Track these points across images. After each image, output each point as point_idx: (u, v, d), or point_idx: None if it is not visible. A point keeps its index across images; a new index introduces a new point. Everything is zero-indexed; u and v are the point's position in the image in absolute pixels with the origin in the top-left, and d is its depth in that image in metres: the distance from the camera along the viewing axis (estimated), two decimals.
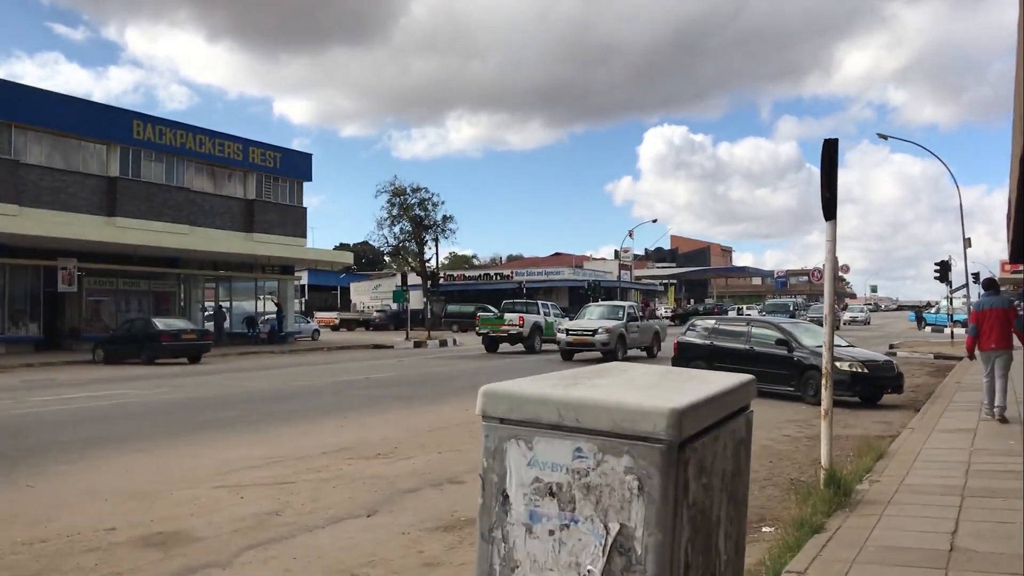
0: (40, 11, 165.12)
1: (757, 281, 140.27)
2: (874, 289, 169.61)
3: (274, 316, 40.57)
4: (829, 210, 6.90)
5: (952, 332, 35.01)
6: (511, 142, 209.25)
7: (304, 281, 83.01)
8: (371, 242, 67.64)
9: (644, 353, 28.50)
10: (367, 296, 76.45)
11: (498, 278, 72.27)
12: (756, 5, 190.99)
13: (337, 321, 65.50)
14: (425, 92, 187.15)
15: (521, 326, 31.70)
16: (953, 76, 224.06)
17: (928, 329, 53.65)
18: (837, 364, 15.04)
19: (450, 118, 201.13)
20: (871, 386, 15.47)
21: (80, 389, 17.99)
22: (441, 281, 69.78)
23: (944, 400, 15.09)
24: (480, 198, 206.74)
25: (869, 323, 67.12)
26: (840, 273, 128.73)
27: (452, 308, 62.96)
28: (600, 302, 37.96)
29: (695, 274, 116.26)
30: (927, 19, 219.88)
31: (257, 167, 39.91)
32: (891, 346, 33.74)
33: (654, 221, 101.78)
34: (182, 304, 38.14)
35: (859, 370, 15.27)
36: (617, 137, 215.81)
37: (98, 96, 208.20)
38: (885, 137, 33.84)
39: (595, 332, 26.35)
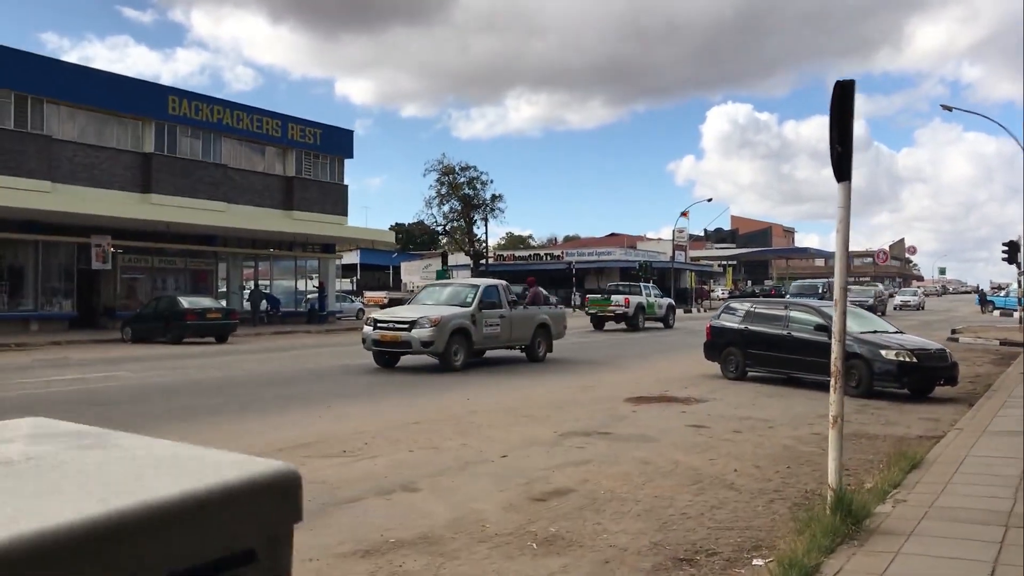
0: None
1: (820, 263, 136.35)
2: (942, 271, 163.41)
3: (315, 295, 40.01)
4: (842, 169, 5.57)
5: (1021, 316, 32.72)
6: (571, 121, 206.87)
7: (356, 260, 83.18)
8: (422, 221, 66.66)
9: (523, 354, 20.37)
10: (417, 276, 75.83)
11: (548, 258, 70.97)
12: None
13: (386, 300, 64.55)
14: (485, 71, 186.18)
15: (627, 307, 34.65)
16: None
17: (996, 313, 50.90)
18: (883, 353, 13.65)
19: (509, 97, 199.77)
20: (921, 377, 13.97)
21: (81, 370, 17.37)
22: (490, 261, 68.78)
23: (1003, 394, 13.50)
24: (539, 178, 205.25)
25: (922, 308, 61.64)
26: (907, 255, 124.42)
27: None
28: (452, 280, 30.27)
29: (755, 255, 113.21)
30: None
31: (296, 144, 39.24)
32: (953, 331, 31.69)
33: (709, 200, 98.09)
34: (222, 282, 37.84)
35: (907, 359, 13.76)
36: (679, 116, 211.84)
37: (166, 79, 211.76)
38: (950, 109, 31.28)
39: (412, 325, 17.18)
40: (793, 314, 15.76)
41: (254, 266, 38.76)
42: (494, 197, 64.54)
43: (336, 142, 41.39)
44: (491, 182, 68.03)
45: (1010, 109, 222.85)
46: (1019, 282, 36.03)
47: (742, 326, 16.42)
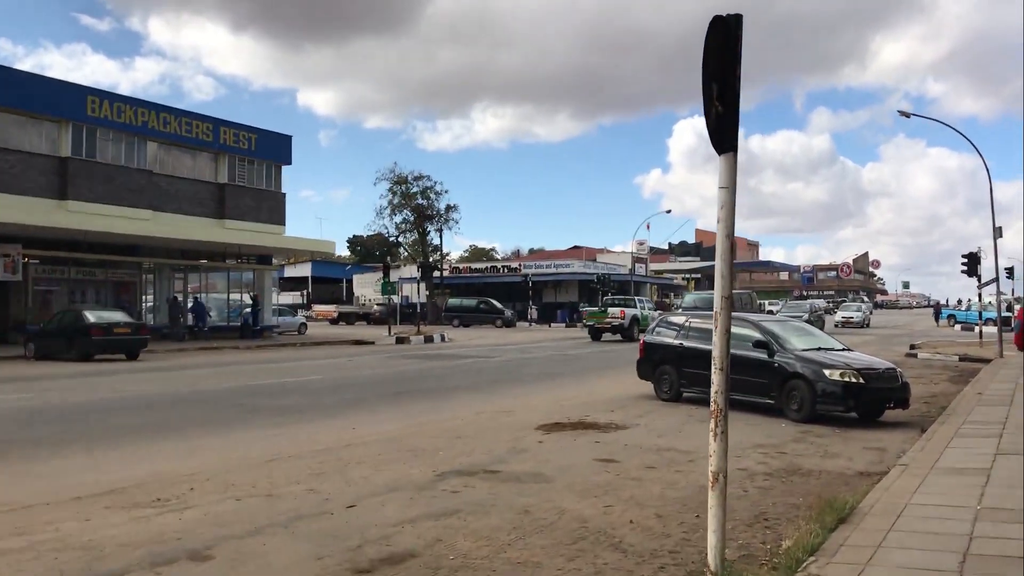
0: (66, 1, 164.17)
1: (784, 276, 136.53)
2: (906, 285, 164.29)
3: (249, 308, 38.09)
4: (723, 136, 4.02)
5: (981, 331, 31.66)
6: (538, 134, 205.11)
7: (308, 273, 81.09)
8: (371, 232, 64.80)
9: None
10: (370, 289, 73.79)
11: (506, 271, 69.40)
12: None
13: (336, 314, 62.96)
14: (451, 83, 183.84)
15: (622, 319, 36.77)
16: (993, 68, 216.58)
17: (958, 327, 50.17)
18: (827, 373, 12.20)
19: (476, 109, 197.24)
20: (868, 400, 12.52)
21: None
22: (446, 273, 67.13)
23: (959, 418, 12.09)
24: (505, 191, 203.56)
25: (867, 325, 53.48)
26: (870, 268, 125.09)
27: (453, 302, 60.05)
28: None
29: None
30: (967, 7, 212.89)
31: (230, 149, 37.35)
32: (912, 346, 30.54)
33: (668, 211, 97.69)
34: (149, 295, 35.83)
35: (853, 380, 12.30)
36: (647, 129, 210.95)
37: (125, 88, 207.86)
38: (908, 115, 30.15)
39: None
40: (731, 329, 14.25)
41: (183, 278, 36.74)
42: (449, 207, 62.98)
43: (273, 148, 39.55)
44: (446, 192, 66.18)
45: (972, 124, 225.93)
46: (979, 295, 35.07)
47: (677, 342, 14.91)
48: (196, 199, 36.25)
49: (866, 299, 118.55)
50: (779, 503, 7.50)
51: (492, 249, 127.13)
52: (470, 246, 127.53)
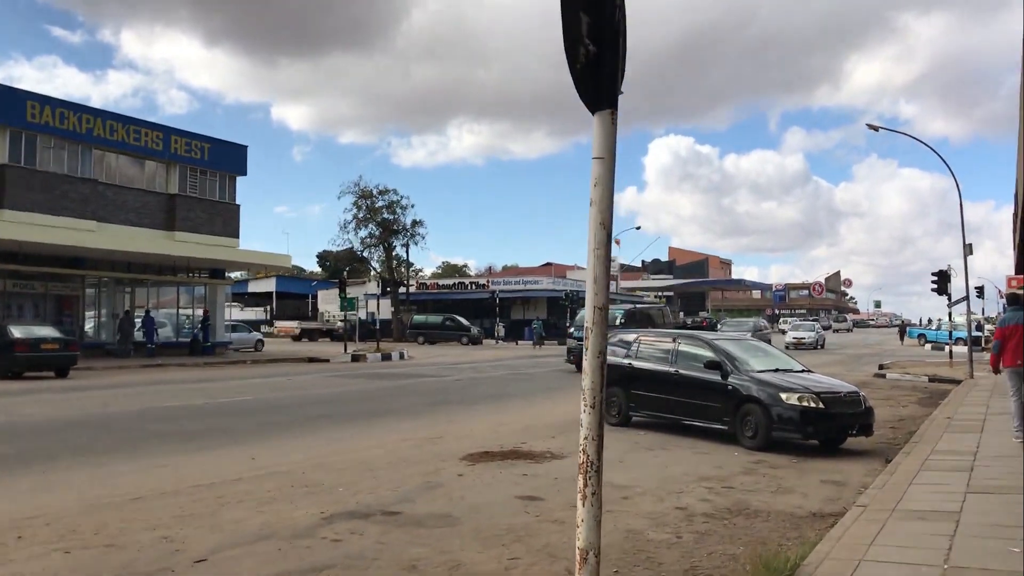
0: (38, 12, 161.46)
1: (757, 294, 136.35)
2: (878, 304, 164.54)
3: (201, 324, 36.62)
4: (597, 87, 2.91)
5: (951, 351, 30.87)
6: (514, 151, 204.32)
7: (272, 288, 79.46)
8: (337, 247, 63.36)
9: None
10: (335, 305, 72.28)
11: (473, 287, 68.23)
12: (766, 14, 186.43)
13: (298, 331, 61.42)
14: (426, 99, 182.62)
15: None
16: (964, 90, 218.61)
17: (928, 347, 49.59)
18: (783, 396, 11.14)
19: (452, 126, 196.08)
20: (828, 427, 11.47)
21: None
22: (413, 289, 65.83)
23: (926, 446, 11.08)
24: (481, 208, 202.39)
25: (822, 347, 48.23)
26: (842, 287, 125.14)
27: (418, 319, 58.79)
28: None
29: (691, 286, 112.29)
30: (938, 31, 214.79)
31: (181, 158, 35.98)
32: (881, 366, 29.71)
33: (638, 228, 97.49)
34: (96, 310, 34.33)
35: (812, 405, 11.26)
36: (622, 147, 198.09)
37: (97, 101, 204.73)
38: (876, 129, 29.43)
39: None
40: (682, 348, 13.20)
41: (130, 292, 35.24)
42: (415, 222, 61.71)
43: (227, 158, 38.20)
44: (412, 206, 64.97)
45: (943, 146, 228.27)
46: (949, 314, 34.37)
47: (626, 362, 13.82)
48: (145, 210, 34.83)
49: (821, 317, 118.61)
50: (716, 553, 6.40)
51: (465, 266, 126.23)
52: (443, 262, 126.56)
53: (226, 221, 38.28)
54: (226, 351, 38.11)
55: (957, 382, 23.62)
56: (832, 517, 7.49)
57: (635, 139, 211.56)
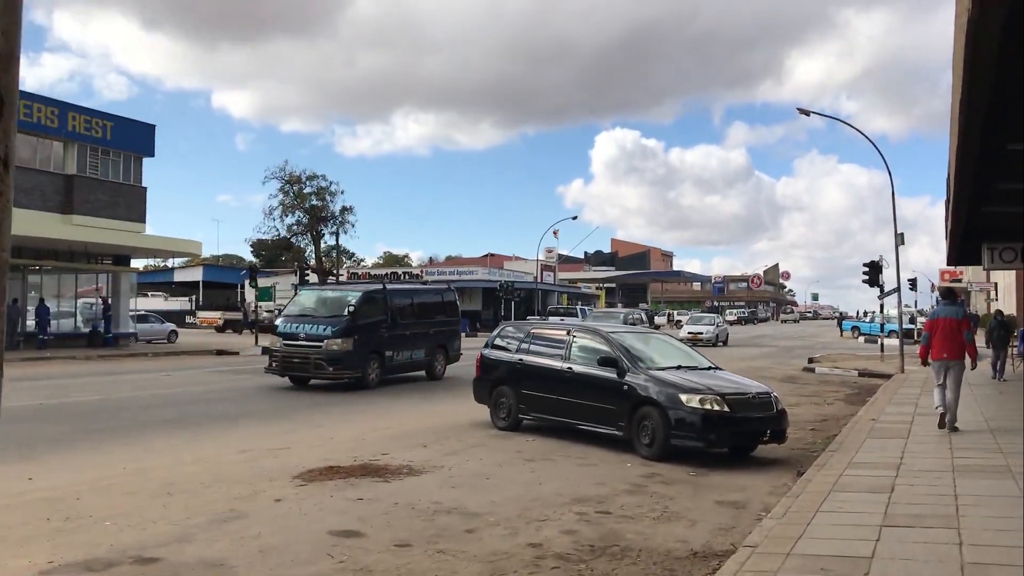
0: None
1: (697, 286, 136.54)
2: (815, 297, 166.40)
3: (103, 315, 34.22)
4: None
5: (882, 344, 29.96)
6: (460, 142, 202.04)
7: (199, 277, 76.50)
8: (259, 235, 60.88)
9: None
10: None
11: (407, 277, 66.20)
12: (710, 9, 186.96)
13: (221, 322, 58.75)
14: (372, 88, 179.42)
15: None
16: (904, 88, 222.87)
17: (861, 339, 49.10)
18: (683, 399, 9.62)
19: (397, 115, 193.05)
20: (734, 433, 10.00)
21: None
22: (343, 278, 63.61)
23: (845, 454, 9.68)
24: (426, 198, 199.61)
25: (724, 343, 43.08)
26: (781, 280, 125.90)
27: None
28: None
29: (632, 278, 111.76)
30: (879, 28, 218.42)
31: (80, 137, 33.38)
32: (811, 360, 28.68)
33: (574, 218, 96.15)
34: None
35: (715, 408, 9.78)
36: (569, 139, 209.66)
37: (31, 85, 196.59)
38: (807, 113, 28.33)
39: None
40: (578, 341, 11.64)
41: (21, 279, 32.67)
42: (344, 209, 59.52)
43: (132, 137, 35.68)
44: (341, 193, 62.51)
45: (883, 142, 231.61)
46: (881, 306, 33.52)
47: (516, 357, 12.21)
48: (36, 191, 32.17)
49: (759, 309, 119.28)
50: None
51: (406, 256, 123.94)
52: (384, 252, 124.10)
53: (130, 205, 35.76)
54: (130, 343, 35.74)
55: (887, 376, 22.59)
56: (716, 558, 5.97)
57: (582, 132, 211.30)
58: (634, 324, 36.03)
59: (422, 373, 20.17)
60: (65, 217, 32.87)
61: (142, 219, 36.26)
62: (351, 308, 17.89)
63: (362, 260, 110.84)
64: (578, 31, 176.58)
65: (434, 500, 7.65)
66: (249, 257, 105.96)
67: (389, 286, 20.70)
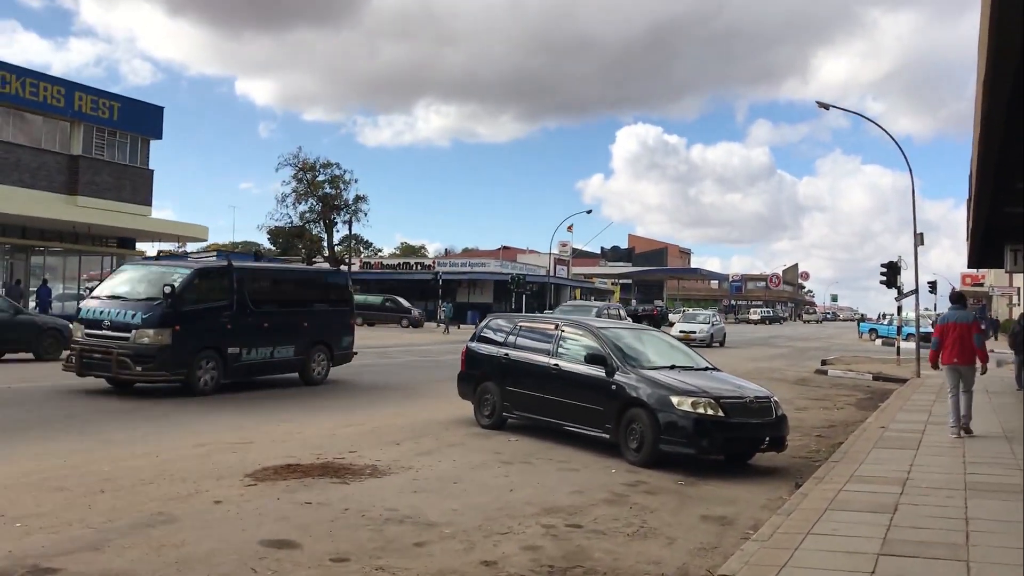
0: None
1: (715, 285, 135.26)
2: (834, 298, 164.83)
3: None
4: None
5: (899, 347, 29.01)
6: (481, 134, 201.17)
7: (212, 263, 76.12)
8: (272, 222, 60.37)
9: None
10: None
11: (418, 267, 65.68)
12: (734, 6, 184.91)
13: None
14: (394, 78, 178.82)
15: None
16: (930, 89, 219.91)
17: (878, 342, 48.01)
18: (674, 401, 8.90)
19: (419, 106, 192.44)
20: (729, 439, 9.26)
21: None
22: (355, 268, 63.09)
23: (848, 467, 8.93)
24: (446, 190, 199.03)
25: (721, 344, 38.98)
26: (799, 280, 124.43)
27: (357, 299, 55.74)
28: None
29: (648, 274, 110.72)
30: (905, 28, 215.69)
31: (86, 117, 32.98)
32: (824, 362, 27.79)
33: (588, 212, 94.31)
34: None
35: (708, 412, 9.05)
36: (590, 134, 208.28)
37: (58, 69, 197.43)
38: (827, 107, 27.33)
39: None
40: (566, 336, 10.92)
41: (24, 259, 32.32)
42: (358, 198, 58.95)
43: (139, 119, 35.24)
44: (355, 181, 61.91)
45: (908, 143, 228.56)
46: (899, 308, 32.55)
47: (502, 352, 11.51)
48: (42, 171, 31.83)
49: (778, 309, 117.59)
50: None
51: (422, 247, 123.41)
52: (401, 243, 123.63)
53: (136, 187, 35.37)
54: None
55: (902, 381, 21.72)
56: None
57: (603, 126, 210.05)
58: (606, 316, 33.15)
59: (294, 376, 16.15)
60: (70, 198, 32.53)
61: (148, 202, 35.92)
62: (172, 289, 13.32)
63: (380, 250, 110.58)
64: (601, 25, 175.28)
65: (389, 507, 6.97)
66: (268, 245, 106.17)
67: (239, 262, 16.13)
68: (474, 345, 12.13)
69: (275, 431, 10.60)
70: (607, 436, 9.74)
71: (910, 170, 24.65)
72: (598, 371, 9.99)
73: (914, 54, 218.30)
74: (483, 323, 12.63)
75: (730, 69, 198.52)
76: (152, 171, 36.21)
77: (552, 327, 11.24)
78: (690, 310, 58.22)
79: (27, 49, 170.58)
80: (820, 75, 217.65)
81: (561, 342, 10.82)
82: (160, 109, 36.65)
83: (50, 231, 32.27)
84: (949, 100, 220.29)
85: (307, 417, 11.99)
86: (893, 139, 25.78)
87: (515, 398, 11.06)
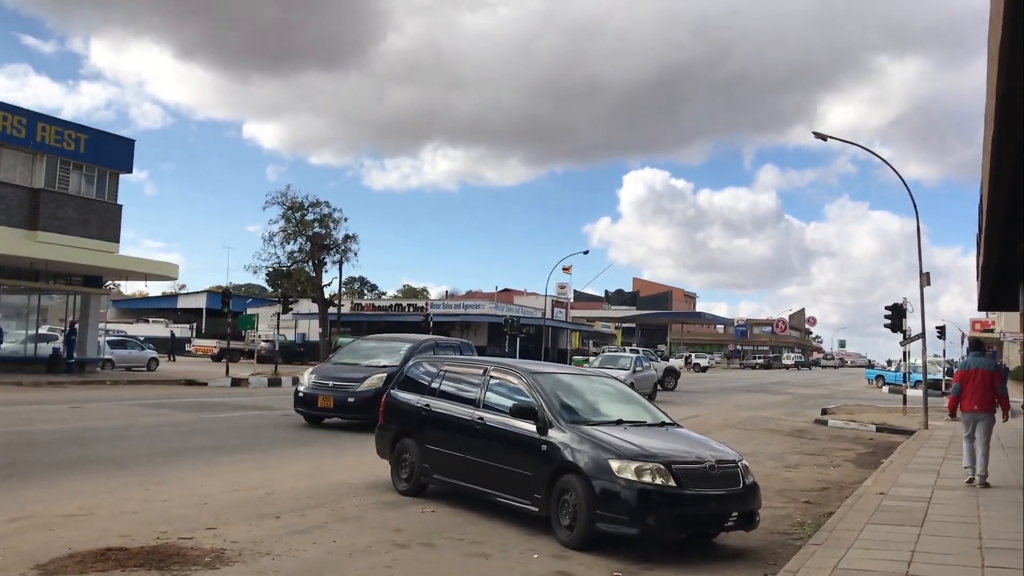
0: (6, 18, 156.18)
1: (720, 329, 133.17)
2: (842, 344, 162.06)
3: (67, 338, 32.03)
4: None
5: (905, 396, 26.94)
6: (488, 178, 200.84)
7: (203, 304, 74.80)
8: (260, 263, 58.61)
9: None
10: (264, 324, 67.70)
11: (410, 309, 63.95)
12: (742, 51, 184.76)
13: (217, 350, 56.66)
14: (401, 122, 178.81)
15: None
16: (938, 136, 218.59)
17: (885, 389, 45.93)
18: (614, 466, 7.01)
19: (426, 150, 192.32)
20: (680, 517, 7.32)
21: None
22: (344, 309, 61.30)
23: (834, 550, 7.02)
24: (453, 233, 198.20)
25: (650, 397, 25.68)
26: (807, 325, 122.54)
27: (344, 340, 54.25)
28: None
29: (652, 318, 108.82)
30: (912, 74, 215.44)
31: (49, 149, 31.48)
32: (824, 411, 25.79)
33: (585, 252, 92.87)
34: None
35: (656, 481, 7.15)
36: (597, 178, 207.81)
37: (68, 113, 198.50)
38: (824, 138, 25.70)
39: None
40: (494, 383, 9.03)
41: None
42: (347, 237, 57.28)
43: (108, 152, 33.73)
44: (345, 220, 60.27)
45: (916, 188, 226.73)
46: (905, 353, 30.62)
47: (422, 402, 9.63)
48: (0, 205, 30.32)
49: (784, 354, 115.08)
50: None
51: (424, 289, 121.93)
52: (403, 285, 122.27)
53: (103, 223, 33.73)
54: (97, 369, 33.58)
55: (909, 433, 19.78)
56: None
57: (610, 171, 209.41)
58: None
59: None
60: (30, 233, 30.88)
61: (115, 238, 34.25)
62: None
63: (384, 293, 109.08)
64: (609, 71, 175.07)
65: None
66: (266, 286, 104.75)
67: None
68: (395, 393, 10.26)
69: (135, 497, 8.70)
70: (536, 509, 7.84)
71: (916, 212, 22.90)
72: (528, 426, 8.11)
73: (921, 100, 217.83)
74: (407, 365, 10.79)
75: (737, 114, 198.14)
76: (120, 206, 34.59)
77: (480, 371, 9.35)
78: (610, 351, 48.39)
79: (39, 92, 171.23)
80: (828, 120, 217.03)
81: (489, 390, 8.96)
82: (131, 142, 35.21)
83: (6, 268, 30.65)
84: (957, 147, 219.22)
85: (186, 478, 10.04)
86: (897, 173, 23.97)
87: (435, 458, 9.17)
